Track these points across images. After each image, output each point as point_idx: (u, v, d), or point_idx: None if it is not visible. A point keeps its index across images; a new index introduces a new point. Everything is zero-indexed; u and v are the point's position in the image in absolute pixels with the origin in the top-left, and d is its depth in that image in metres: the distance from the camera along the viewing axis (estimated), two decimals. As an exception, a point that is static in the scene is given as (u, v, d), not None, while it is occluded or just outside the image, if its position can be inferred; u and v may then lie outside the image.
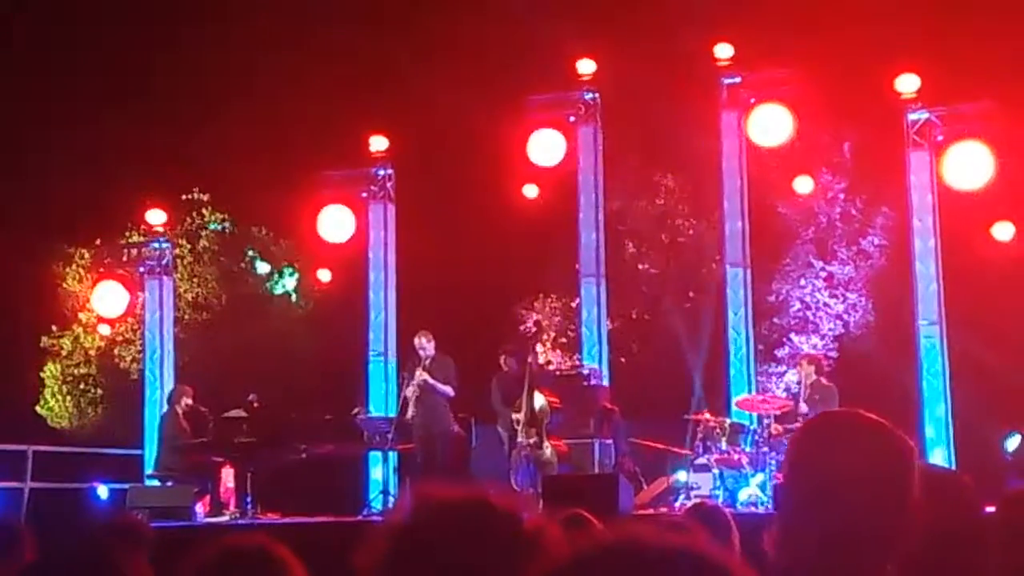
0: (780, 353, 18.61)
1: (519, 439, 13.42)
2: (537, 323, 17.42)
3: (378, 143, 16.98)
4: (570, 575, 1.43)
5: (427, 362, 13.80)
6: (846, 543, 2.27)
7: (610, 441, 13.94)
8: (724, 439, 12.89)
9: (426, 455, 13.67)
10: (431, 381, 13.71)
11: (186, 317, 21.55)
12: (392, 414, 14.70)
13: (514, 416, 13.50)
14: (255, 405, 14.33)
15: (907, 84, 14.84)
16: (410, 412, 13.79)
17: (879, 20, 17.36)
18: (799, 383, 14.00)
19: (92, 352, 22.37)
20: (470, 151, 17.95)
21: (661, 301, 20.15)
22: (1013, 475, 12.46)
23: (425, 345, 13.87)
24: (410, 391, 13.79)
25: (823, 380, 13.78)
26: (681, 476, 13.32)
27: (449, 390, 13.78)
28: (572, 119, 15.97)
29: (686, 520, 4.96)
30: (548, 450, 13.44)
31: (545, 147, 15.75)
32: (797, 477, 2.40)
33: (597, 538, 1.46)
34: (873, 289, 18.78)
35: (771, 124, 15.01)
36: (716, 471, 12.78)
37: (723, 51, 15.48)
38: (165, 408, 15.46)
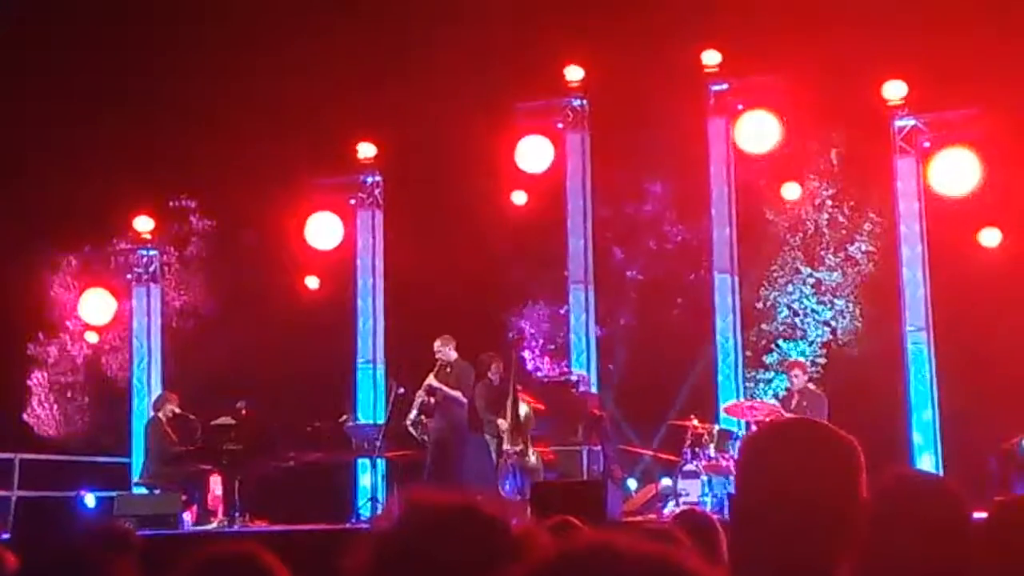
0: (768, 359, 18.62)
1: (505, 447, 13.42)
2: (520, 331, 17.43)
3: (366, 150, 16.99)
4: None
5: (447, 368, 13.80)
6: (798, 545, 2.28)
7: (598, 448, 13.94)
8: (712, 445, 12.92)
9: (437, 459, 13.64)
10: (436, 385, 13.72)
11: (174, 325, 21.49)
12: (380, 421, 14.69)
13: (499, 422, 13.50)
14: (243, 413, 14.29)
15: (894, 91, 14.90)
16: (411, 416, 13.77)
17: (866, 27, 17.37)
18: (788, 390, 14.01)
19: (79, 360, 22.28)
20: (458, 158, 17.92)
21: (649, 307, 20.13)
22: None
23: (441, 348, 13.88)
24: (418, 395, 13.82)
25: (811, 387, 13.81)
26: (667, 482, 13.34)
27: (458, 395, 13.76)
28: (560, 125, 16.00)
29: (673, 527, 4.95)
30: (534, 457, 13.46)
31: (533, 154, 15.77)
32: (747, 483, 2.43)
33: (570, 544, 1.46)
34: (861, 295, 18.79)
35: (759, 130, 15.05)
36: (704, 477, 12.79)
37: (711, 58, 15.52)
38: (150, 415, 15.41)
